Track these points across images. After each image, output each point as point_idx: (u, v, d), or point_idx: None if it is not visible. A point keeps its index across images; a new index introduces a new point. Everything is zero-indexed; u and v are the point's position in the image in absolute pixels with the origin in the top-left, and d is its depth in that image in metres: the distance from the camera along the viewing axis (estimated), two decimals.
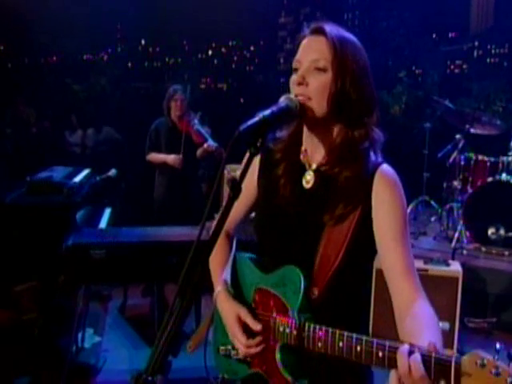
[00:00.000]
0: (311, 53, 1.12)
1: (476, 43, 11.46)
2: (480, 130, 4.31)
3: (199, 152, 3.80)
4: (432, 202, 4.75)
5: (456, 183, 4.18)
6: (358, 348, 0.96)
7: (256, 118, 0.99)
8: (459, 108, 4.61)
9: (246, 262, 1.29)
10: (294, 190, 1.19)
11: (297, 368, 1.12)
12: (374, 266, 3.01)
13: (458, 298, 3.01)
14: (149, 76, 10.85)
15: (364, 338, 0.96)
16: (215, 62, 13.21)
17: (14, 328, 3.06)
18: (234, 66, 13.48)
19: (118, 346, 3.20)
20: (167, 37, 11.62)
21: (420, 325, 0.98)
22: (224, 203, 0.96)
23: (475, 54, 11.59)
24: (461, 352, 2.70)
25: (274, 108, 1.04)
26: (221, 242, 1.32)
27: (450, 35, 11.89)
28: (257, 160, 1.27)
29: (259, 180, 1.28)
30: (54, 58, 9.69)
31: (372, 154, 1.14)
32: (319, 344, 1.04)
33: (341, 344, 1.00)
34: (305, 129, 1.18)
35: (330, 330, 1.02)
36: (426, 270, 3.06)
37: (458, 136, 4.23)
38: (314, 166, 1.18)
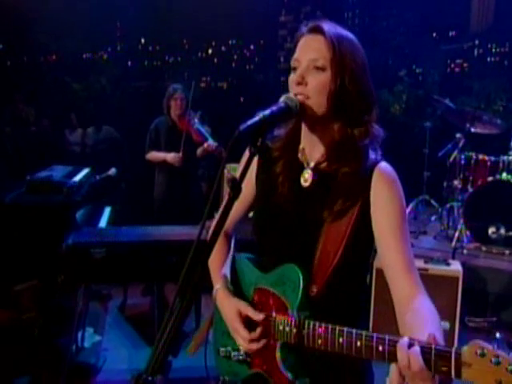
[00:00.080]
0: (310, 52, 1.12)
1: (476, 42, 11.46)
2: (480, 129, 4.30)
3: (199, 151, 3.80)
4: (432, 202, 4.74)
5: (456, 182, 4.18)
6: (358, 343, 0.97)
7: (256, 118, 0.99)
8: (460, 107, 4.61)
9: (244, 262, 1.29)
10: (292, 187, 1.19)
11: (297, 366, 1.13)
12: (374, 266, 3.03)
13: (458, 297, 3.01)
14: (148, 75, 10.85)
15: (364, 332, 0.97)
16: (215, 60, 13.21)
17: (13, 327, 3.06)
18: (234, 64, 13.48)
19: (117, 345, 3.20)
20: (167, 35, 11.62)
21: (420, 319, 0.99)
22: (224, 203, 0.95)
23: (476, 52, 11.59)
24: None
25: (274, 107, 1.04)
26: (220, 242, 1.32)
27: (450, 34, 11.89)
28: (254, 159, 1.27)
29: (257, 178, 1.28)
30: (54, 57, 9.68)
31: (371, 151, 1.14)
32: (319, 341, 1.04)
33: (341, 340, 1.00)
34: (303, 127, 1.18)
35: (330, 326, 1.03)
36: (427, 270, 3.05)
37: (458, 135, 4.22)
38: (312, 165, 1.18)
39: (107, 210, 3.87)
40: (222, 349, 1.25)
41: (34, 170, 3.54)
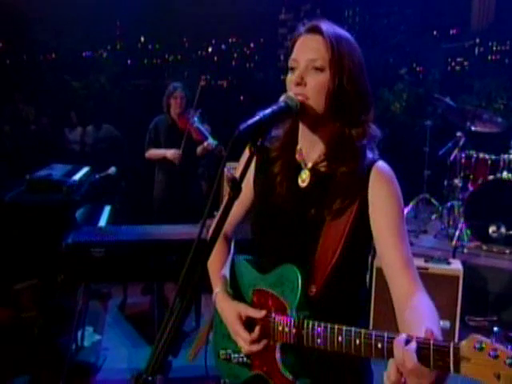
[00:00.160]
0: (308, 52, 1.12)
1: (477, 40, 11.45)
2: (481, 127, 4.29)
3: (199, 150, 3.79)
4: (433, 200, 4.74)
5: (457, 181, 4.18)
6: (357, 341, 0.97)
7: (256, 118, 0.98)
8: (460, 105, 4.60)
9: (243, 264, 1.28)
10: (290, 188, 1.19)
11: (297, 367, 1.12)
12: (374, 265, 3.03)
13: (458, 296, 3.01)
14: (148, 73, 10.84)
15: (363, 331, 0.97)
16: (215, 58, 13.19)
17: (13, 326, 3.06)
18: (234, 63, 13.47)
19: (117, 344, 3.20)
20: (167, 34, 11.60)
21: (419, 316, 0.99)
22: (224, 203, 0.95)
23: (476, 51, 11.57)
24: None
25: (275, 107, 1.04)
26: (219, 244, 1.31)
27: (450, 32, 11.87)
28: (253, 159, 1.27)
29: (255, 179, 1.28)
30: (53, 55, 9.66)
31: (368, 151, 1.15)
32: (318, 340, 1.04)
33: (340, 338, 1.00)
34: (301, 127, 1.18)
35: (329, 325, 1.03)
36: (427, 269, 3.05)
37: (458, 134, 4.22)
38: (309, 165, 1.19)
39: (107, 209, 3.86)
40: (222, 351, 1.25)
41: (34, 169, 3.54)
